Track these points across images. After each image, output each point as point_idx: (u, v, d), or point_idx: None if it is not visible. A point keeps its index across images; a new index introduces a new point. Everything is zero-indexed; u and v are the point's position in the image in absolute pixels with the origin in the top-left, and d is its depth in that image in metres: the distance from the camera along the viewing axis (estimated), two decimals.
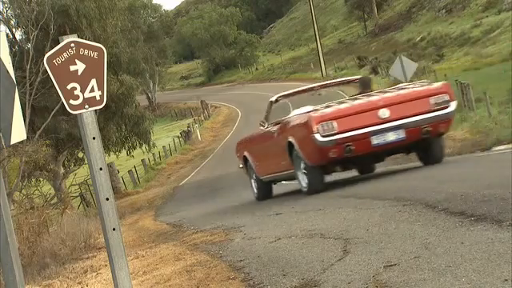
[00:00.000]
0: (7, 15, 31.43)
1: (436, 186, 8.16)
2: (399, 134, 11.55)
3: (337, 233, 6.70)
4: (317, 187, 11.85)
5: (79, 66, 5.29)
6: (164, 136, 63.23)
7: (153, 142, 37.81)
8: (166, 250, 10.04)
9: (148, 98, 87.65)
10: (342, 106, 11.68)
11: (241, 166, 14.95)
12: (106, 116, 31.80)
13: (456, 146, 17.44)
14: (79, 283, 9.11)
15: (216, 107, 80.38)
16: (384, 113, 11.47)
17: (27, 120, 23.19)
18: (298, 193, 12.91)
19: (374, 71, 54.12)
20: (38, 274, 11.23)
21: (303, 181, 12.09)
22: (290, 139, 12.04)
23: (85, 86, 5.30)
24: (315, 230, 7.24)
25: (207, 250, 8.55)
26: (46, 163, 28.32)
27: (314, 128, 11.37)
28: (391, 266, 4.82)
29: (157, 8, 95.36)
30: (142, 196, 35.82)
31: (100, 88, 5.33)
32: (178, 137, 60.18)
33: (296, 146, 11.92)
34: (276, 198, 13.24)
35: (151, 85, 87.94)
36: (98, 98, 5.33)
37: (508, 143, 14.98)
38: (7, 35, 29.62)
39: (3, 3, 31.44)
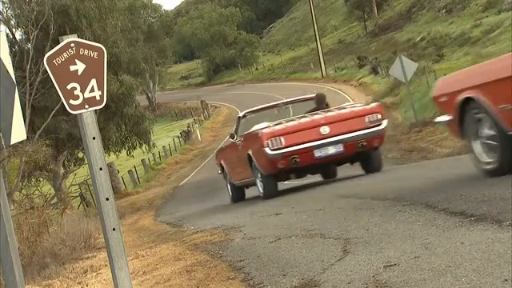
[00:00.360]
0: (7, 15, 31.48)
1: (436, 186, 8.16)
2: (338, 148, 13.27)
3: (337, 233, 6.70)
4: (271, 193, 13.56)
5: (79, 66, 5.29)
6: (164, 136, 63.25)
7: (153, 141, 37.82)
8: (166, 249, 10.04)
9: (148, 97, 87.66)
10: (290, 123, 13.46)
11: (219, 172, 17.11)
12: (106, 116, 31.81)
13: (456, 146, 17.45)
14: (79, 283, 9.11)
15: (216, 107, 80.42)
16: (325, 129, 13.23)
17: (27, 120, 23.23)
18: (298, 193, 12.98)
19: (374, 71, 54.06)
20: (38, 274, 11.22)
21: (260, 187, 13.85)
22: (249, 151, 13.84)
23: (85, 86, 5.30)
24: (315, 230, 7.23)
25: (207, 249, 8.54)
26: (46, 163, 28.35)
27: (265, 142, 13.14)
28: (391, 265, 4.82)
29: (157, 8, 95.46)
30: (141, 196, 35.83)
31: (100, 88, 5.33)
32: (178, 137, 60.21)
33: (253, 158, 13.69)
34: (276, 198, 13.26)
35: (151, 85, 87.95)
36: (98, 97, 5.32)
37: None
38: (7, 35, 29.62)
39: (3, 3, 31.50)
